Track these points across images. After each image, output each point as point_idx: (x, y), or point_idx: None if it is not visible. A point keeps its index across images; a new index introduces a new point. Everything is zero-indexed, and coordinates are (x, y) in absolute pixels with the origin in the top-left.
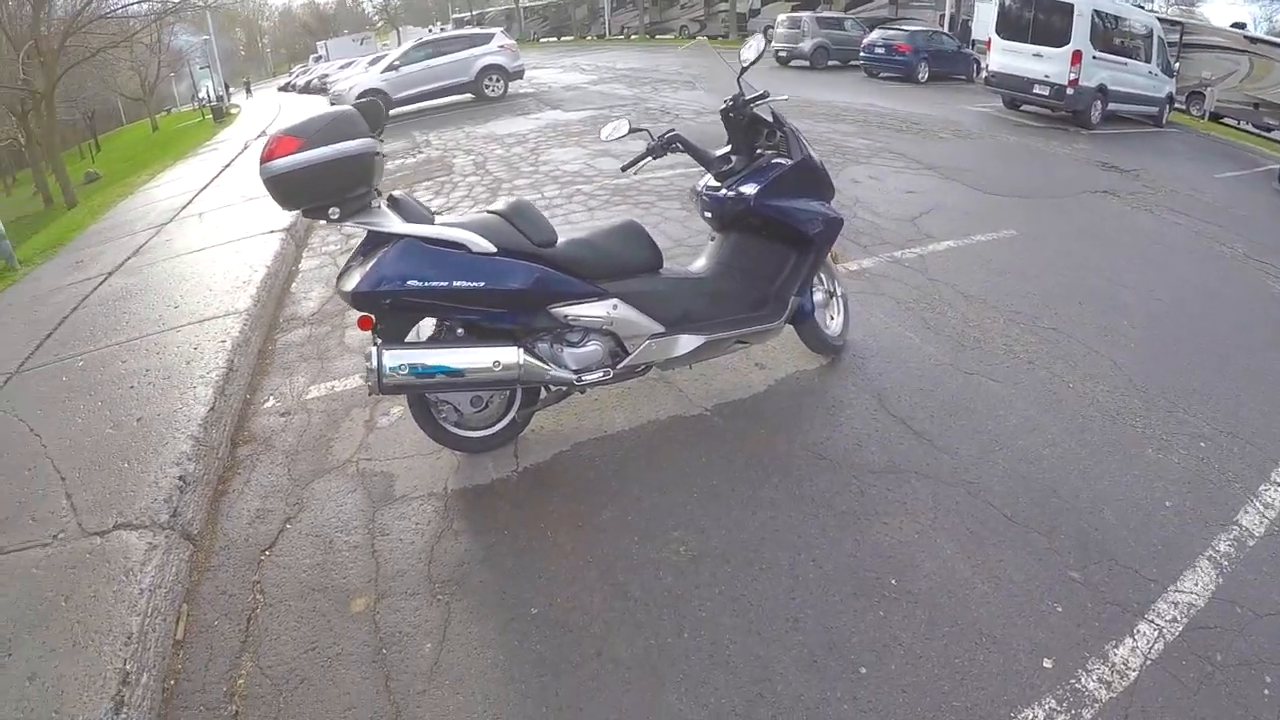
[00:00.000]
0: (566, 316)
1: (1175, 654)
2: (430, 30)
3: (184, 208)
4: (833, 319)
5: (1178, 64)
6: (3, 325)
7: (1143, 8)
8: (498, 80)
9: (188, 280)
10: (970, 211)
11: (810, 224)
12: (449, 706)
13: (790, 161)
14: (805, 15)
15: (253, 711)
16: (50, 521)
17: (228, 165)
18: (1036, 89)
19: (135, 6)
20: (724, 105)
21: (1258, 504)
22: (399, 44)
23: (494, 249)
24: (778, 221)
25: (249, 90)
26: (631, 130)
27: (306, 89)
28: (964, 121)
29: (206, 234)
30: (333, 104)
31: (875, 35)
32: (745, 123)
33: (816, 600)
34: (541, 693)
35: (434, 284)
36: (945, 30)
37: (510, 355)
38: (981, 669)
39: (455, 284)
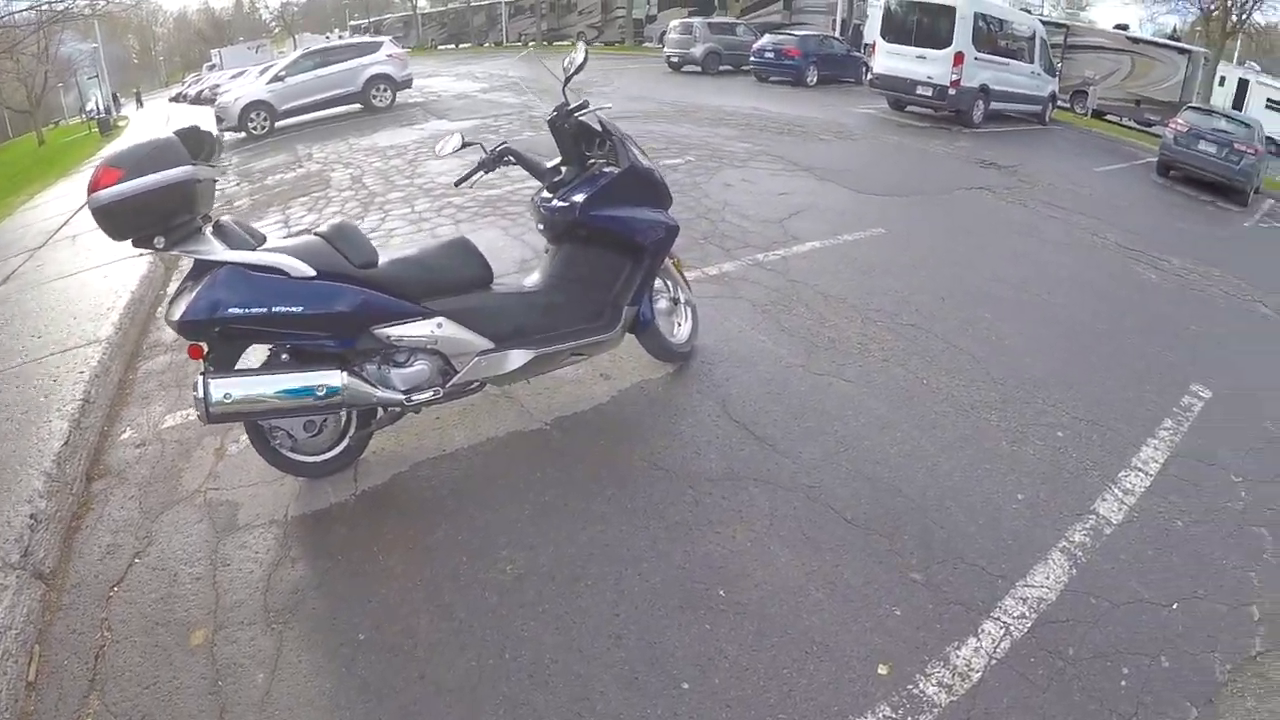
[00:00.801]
0: (390, 337)
1: (1023, 651)
2: (327, 38)
3: (58, 230)
4: (679, 326)
5: (1061, 64)
6: None
7: (1029, 11)
8: (385, 90)
9: (54, 308)
10: (842, 211)
11: (642, 232)
12: None
13: (617, 170)
14: (697, 21)
15: None
16: None
17: None
18: (920, 90)
19: (21, 14)
20: (550, 115)
21: (1115, 490)
22: (295, 51)
23: (313, 273)
24: (608, 231)
25: (140, 101)
26: (465, 144)
27: (198, 99)
28: (848, 123)
29: (78, 258)
30: (217, 116)
31: (765, 40)
32: (573, 132)
33: (641, 615)
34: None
35: (254, 310)
36: (835, 35)
37: (333, 379)
38: (811, 679)
39: (275, 309)
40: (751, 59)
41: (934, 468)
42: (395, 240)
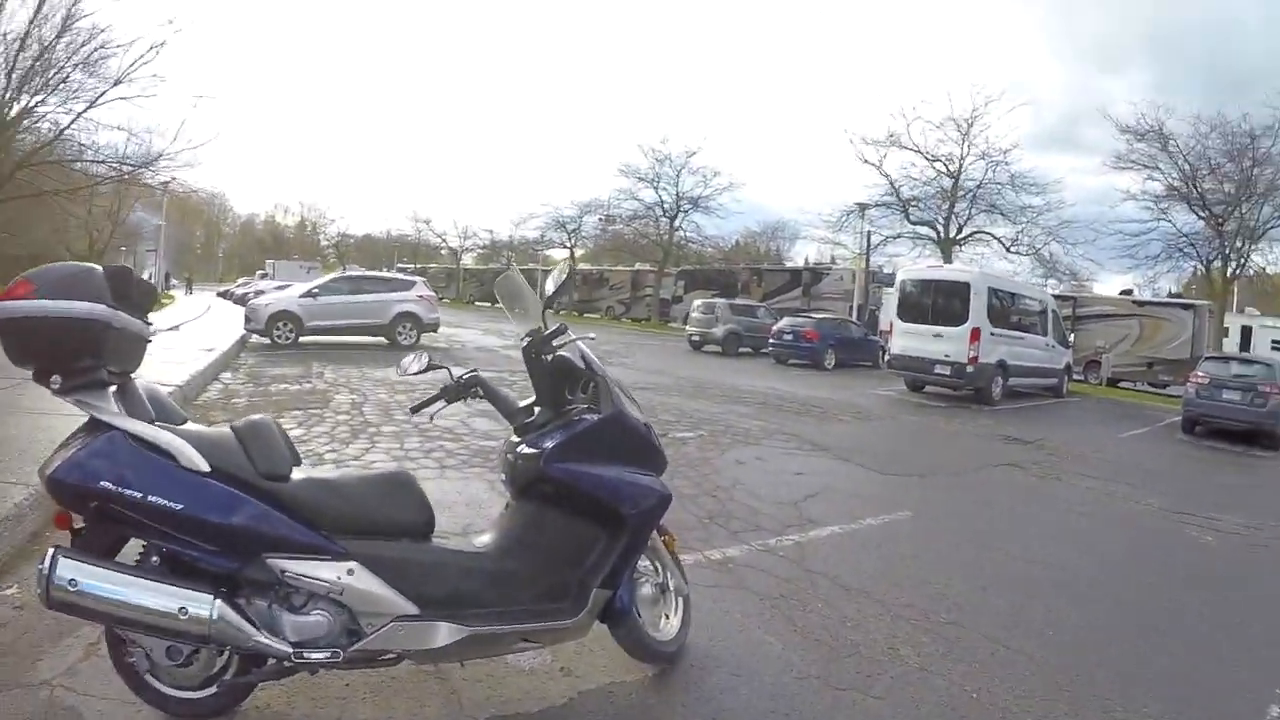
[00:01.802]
0: (285, 572)
1: None
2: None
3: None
4: (665, 619)
5: (1073, 335)
6: None
7: (1040, 285)
8: (411, 329)
9: (15, 439)
10: (861, 494)
11: (624, 497)
12: None
13: (597, 417)
14: (720, 301)
15: None
16: None
17: None
18: (938, 369)
19: (94, 166)
20: (523, 342)
21: None
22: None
23: (207, 468)
24: (579, 490)
25: (190, 288)
26: (431, 366)
27: (241, 300)
28: (866, 404)
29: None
30: (246, 316)
31: (784, 322)
32: (551, 367)
33: None
34: None
35: (128, 493)
36: (853, 319)
37: (200, 604)
38: None
39: (151, 498)
40: (770, 341)
41: None
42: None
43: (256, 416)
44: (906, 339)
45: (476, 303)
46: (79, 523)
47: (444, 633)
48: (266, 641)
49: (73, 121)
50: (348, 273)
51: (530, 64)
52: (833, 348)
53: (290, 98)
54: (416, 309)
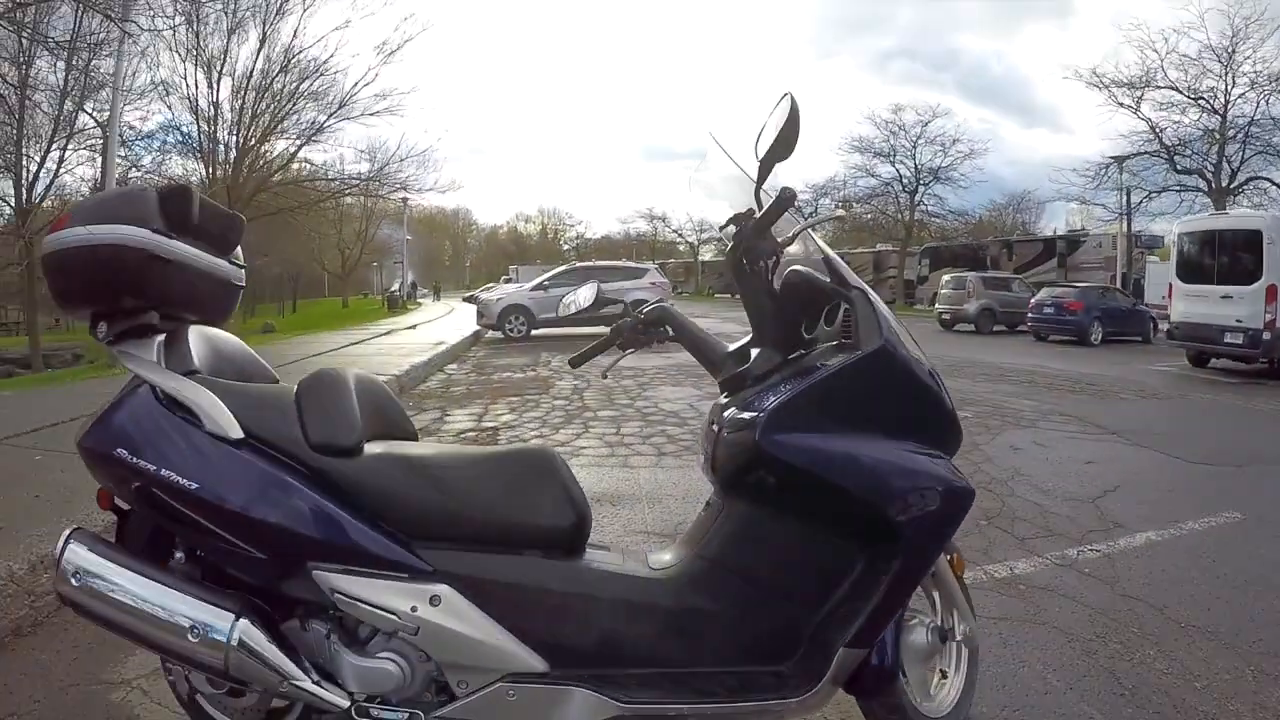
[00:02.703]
0: (336, 592)
1: None
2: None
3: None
4: (942, 679)
5: None
6: None
7: None
8: None
9: None
10: (1172, 488)
11: (894, 493)
12: None
13: (852, 358)
14: (971, 275)
15: None
16: None
17: (354, 343)
18: (1228, 337)
19: (323, 184)
20: (723, 230)
21: None
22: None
23: (238, 434)
24: (819, 482)
25: (438, 294)
26: (602, 300)
27: None
28: (1147, 381)
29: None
30: (478, 311)
31: (1044, 294)
32: (777, 284)
33: None
34: None
35: (141, 463)
36: (1118, 287)
37: (218, 625)
38: None
39: (163, 473)
40: (1029, 315)
41: None
42: (579, 461)
43: (331, 368)
44: (1188, 303)
45: (716, 294)
46: (123, 505)
47: (580, 708)
48: (311, 687)
49: (299, 150)
50: (576, 265)
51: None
52: (1098, 319)
53: (525, 108)
54: (648, 296)
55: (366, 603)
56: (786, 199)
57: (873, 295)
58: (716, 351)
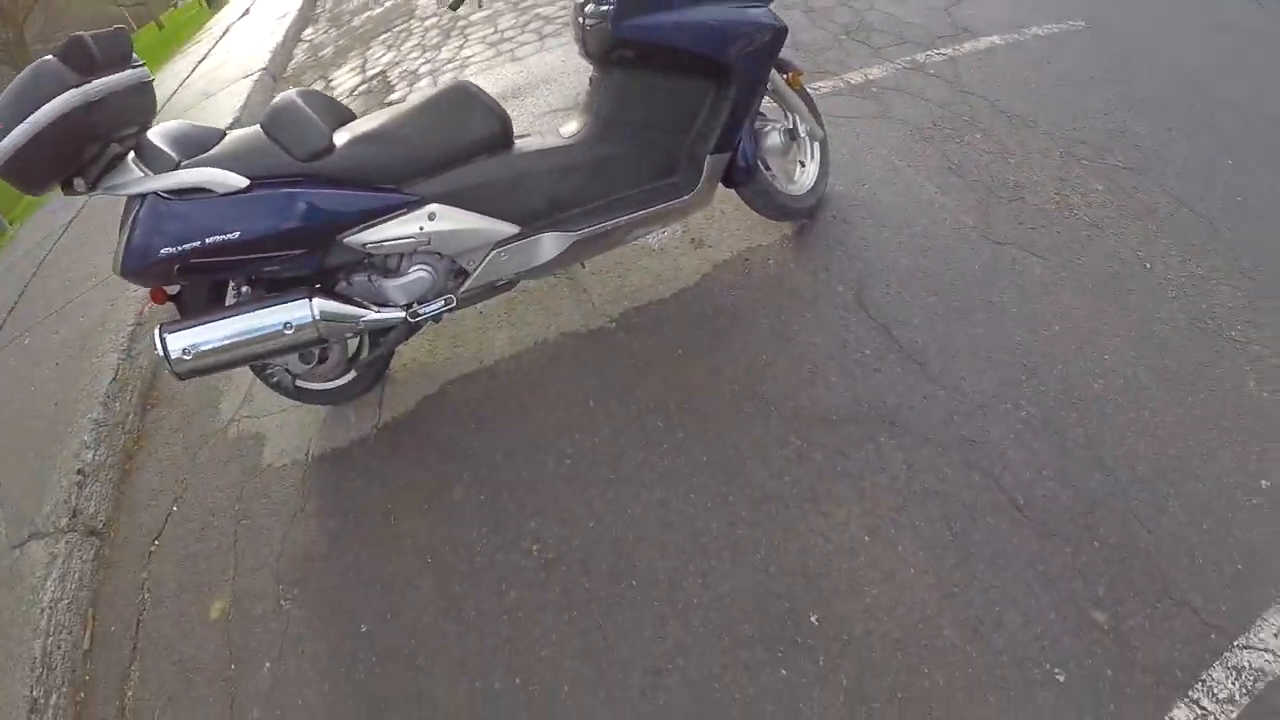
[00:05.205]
0: (366, 245)
1: None
2: None
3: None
4: (800, 168)
5: None
6: None
7: None
8: None
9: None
10: None
11: (721, 43)
12: None
13: None
14: None
15: None
16: None
17: (202, 59)
18: None
19: None
20: None
21: None
22: None
23: (245, 182)
24: (664, 50)
25: None
26: None
27: None
28: None
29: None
30: None
31: None
32: None
33: (694, 643)
34: None
35: (187, 246)
36: None
37: (299, 310)
38: None
39: (209, 240)
40: None
41: (1152, 422)
42: (470, 70)
43: (277, 99)
44: None
45: None
46: (174, 289)
47: (550, 244)
48: (377, 315)
49: None
50: None
51: None
52: None
53: None
54: None
55: (389, 239)
56: None
57: None
58: None
